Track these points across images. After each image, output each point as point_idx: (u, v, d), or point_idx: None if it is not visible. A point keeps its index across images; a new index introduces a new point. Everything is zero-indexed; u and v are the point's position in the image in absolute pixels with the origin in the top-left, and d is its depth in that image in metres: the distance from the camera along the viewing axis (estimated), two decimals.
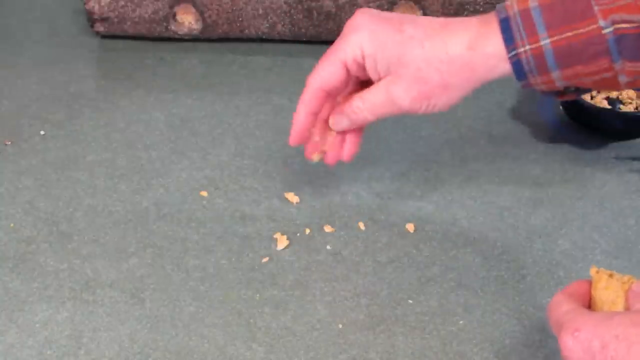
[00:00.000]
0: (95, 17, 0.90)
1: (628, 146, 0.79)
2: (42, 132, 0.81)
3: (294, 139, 0.66)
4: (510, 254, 0.68)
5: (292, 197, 0.74)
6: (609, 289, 0.55)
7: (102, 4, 0.90)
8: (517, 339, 0.62)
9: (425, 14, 0.86)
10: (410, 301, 0.65)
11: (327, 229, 0.71)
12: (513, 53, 0.59)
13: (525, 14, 0.59)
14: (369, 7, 0.86)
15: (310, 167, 0.77)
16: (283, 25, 0.89)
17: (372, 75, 0.63)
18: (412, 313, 0.64)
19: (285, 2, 0.87)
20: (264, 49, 0.92)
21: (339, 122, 0.66)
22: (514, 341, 0.62)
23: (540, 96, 0.84)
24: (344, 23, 0.87)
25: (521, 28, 0.59)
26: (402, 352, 0.61)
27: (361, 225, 0.71)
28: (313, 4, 0.87)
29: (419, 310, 0.64)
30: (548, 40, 0.58)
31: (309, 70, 0.89)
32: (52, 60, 0.91)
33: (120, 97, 0.86)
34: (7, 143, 0.80)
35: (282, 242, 0.69)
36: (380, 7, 0.86)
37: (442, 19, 0.62)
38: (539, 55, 0.58)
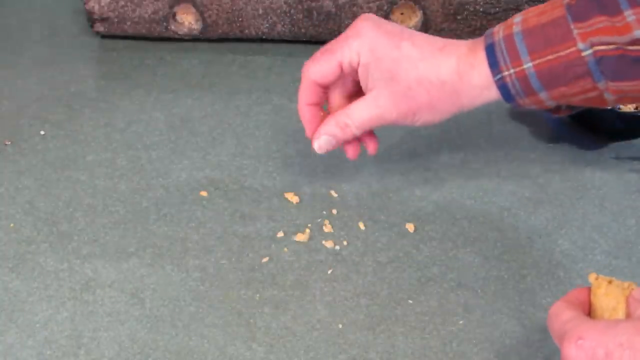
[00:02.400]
0: (95, 17, 0.90)
1: (628, 146, 0.79)
2: (42, 132, 0.81)
3: (308, 131, 0.68)
4: (510, 254, 0.68)
5: (292, 197, 0.74)
6: (609, 296, 0.54)
7: (102, 4, 0.90)
8: (517, 339, 0.62)
9: (425, 14, 0.86)
10: (410, 301, 0.65)
11: (327, 229, 0.71)
12: (498, 77, 0.62)
13: (509, 39, 0.61)
14: (369, 7, 0.86)
15: (310, 167, 0.77)
16: (283, 25, 0.89)
17: (362, 81, 0.65)
18: (412, 313, 0.64)
19: (285, 2, 0.87)
20: (264, 49, 0.92)
21: (324, 143, 0.67)
22: (514, 341, 0.62)
23: None
24: (344, 23, 0.87)
25: (505, 53, 0.61)
26: (402, 352, 0.61)
27: (361, 225, 0.71)
28: (313, 4, 0.87)
29: (419, 310, 0.64)
30: (530, 64, 0.60)
31: None
32: (52, 60, 0.91)
33: (120, 97, 0.86)
34: (7, 143, 0.80)
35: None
36: (380, 8, 0.86)
37: (439, 42, 0.64)
38: (523, 78, 0.61)
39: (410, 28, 0.87)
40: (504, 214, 0.72)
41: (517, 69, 0.61)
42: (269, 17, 0.88)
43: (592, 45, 0.59)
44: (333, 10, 0.87)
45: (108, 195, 0.74)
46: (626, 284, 0.54)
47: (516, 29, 0.61)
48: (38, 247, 0.69)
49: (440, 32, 0.87)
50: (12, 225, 0.71)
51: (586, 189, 0.74)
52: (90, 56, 0.92)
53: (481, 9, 0.85)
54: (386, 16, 0.86)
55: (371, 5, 0.86)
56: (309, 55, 0.93)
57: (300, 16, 0.88)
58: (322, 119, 0.68)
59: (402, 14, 0.87)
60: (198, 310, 0.64)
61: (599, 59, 0.59)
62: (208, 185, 0.75)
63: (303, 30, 0.89)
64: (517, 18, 0.62)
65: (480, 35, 0.86)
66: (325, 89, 0.67)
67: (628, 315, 0.53)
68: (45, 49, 0.93)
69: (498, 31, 0.62)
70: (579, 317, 0.52)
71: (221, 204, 0.74)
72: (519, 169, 0.77)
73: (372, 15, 0.66)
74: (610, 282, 0.55)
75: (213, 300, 0.65)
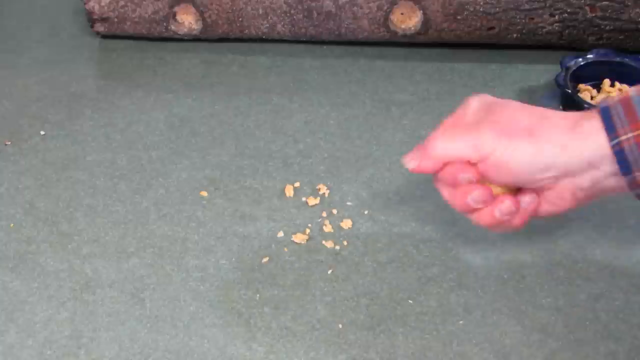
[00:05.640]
0: (95, 17, 0.90)
1: None
2: (42, 132, 0.81)
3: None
4: (510, 254, 0.68)
5: (292, 197, 0.74)
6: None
7: (102, 4, 0.90)
8: (517, 339, 0.62)
9: (425, 14, 0.86)
10: (410, 301, 0.65)
11: (327, 229, 0.71)
12: (615, 141, 0.56)
13: (626, 102, 0.56)
14: (369, 7, 0.86)
15: (309, 168, 0.77)
16: (283, 25, 0.89)
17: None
18: (412, 313, 0.64)
19: (285, 2, 0.87)
20: (264, 49, 0.92)
21: (409, 158, 0.61)
22: (514, 341, 0.62)
23: (540, 96, 0.84)
24: (344, 23, 0.87)
25: (622, 115, 0.56)
26: (402, 352, 0.61)
27: (361, 226, 0.71)
28: (313, 4, 0.87)
29: (419, 310, 0.64)
30: None
31: (309, 70, 0.89)
32: (52, 60, 0.91)
33: (120, 97, 0.86)
34: (7, 143, 0.80)
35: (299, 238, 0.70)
36: (380, 8, 0.86)
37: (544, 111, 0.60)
38: None
39: (410, 28, 0.87)
40: None
41: (636, 133, 0.55)
42: (269, 17, 0.88)
43: None
44: (333, 10, 0.87)
45: (108, 195, 0.74)
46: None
47: (633, 92, 0.56)
48: (38, 247, 0.69)
49: (440, 32, 0.87)
50: (12, 225, 0.72)
51: None
52: (90, 56, 0.92)
53: (481, 9, 0.85)
54: (386, 16, 0.87)
55: (371, 5, 0.86)
56: (309, 55, 0.93)
57: (300, 16, 0.88)
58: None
59: (402, 14, 0.87)
60: (198, 310, 0.64)
61: None
62: (208, 185, 0.75)
63: (303, 30, 0.89)
64: (633, 88, 0.57)
65: (480, 33, 0.87)
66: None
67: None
68: (45, 49, 0.93)
69: (612, 98, 0.58)
70: None
71: (221, 204, 0.74)
72: None
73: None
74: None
75: (213, 300, 0.65)
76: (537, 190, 0.58)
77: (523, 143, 0.57)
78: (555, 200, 0.58)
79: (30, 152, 0.79)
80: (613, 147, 0.56)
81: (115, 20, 0.90)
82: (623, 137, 0.55)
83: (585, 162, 0.56)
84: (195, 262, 0.68)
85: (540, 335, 0.62)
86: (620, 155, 0.55)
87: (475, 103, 0.60)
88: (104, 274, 0.67)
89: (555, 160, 0.56)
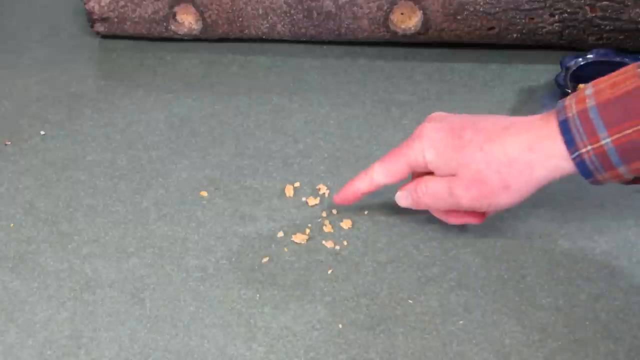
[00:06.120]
0: (95, 17, 0.90)
1: None
2: (42, 132, 0.81)
3: (341, 199, 0.70)
4: (510, 254, 0.68)
5: (292, 197, 0.74)
6: None
7: (102, 4, 0.89)
8: (517, 339, 0.62)
9: (425, 14, 0.86)
10: (410, 301, 0.65)
11: (327, 229, 0.71)
12: (576, 154, 0.60)
13: (583, 114, 0.59)
14: (369, 7, 0.86)
15: (310, 167, 0.77)
16: (283, 25, 0.89)
17: (437, 175, 0.65)
18: (412, 313, 0.64)
19: (285, 2, 0.87)
20: (264, 49, 0.92)
21: (403, 198, 0.68)
22: (514, 341, 0.62)
23: (540, 96, 0.84)
24: (344, 23, 0.87)
25: (581, 130, 0.59)
26: (402, 352, 0.61)
27: (361, 226, 0.71)
28: (313, 4, 0.87)
29: (419, 310, 0.64)
30: (609, 140, 0.58)
31: (309, 70, 0.89)
32: (52, 60, 0.91)
33: (120, 97, 0.86)
34: (7, 143, 0.80)
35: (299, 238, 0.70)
36: (380, 8, 0.86)
37: (505, 121, 0.64)
38: (602, 154, 0.59)
39: (410, 28, 0.87)
40: (504, 214, 0.72)
41: (595, 145, 0.59)
42: (269, 17, 0.88)
43: None
44: (333, 10, 0.87)
45: (108, 195, 0.74)
46: None
47: (590, 102, 0.59)
48: (38, 247, 0.69)
49: (440, 32, 0.87)
50: (12, 225, 0.72)
51: (586, 189, 0.74)
52: (90, 56, 0.92)
53: (481, 9, 0.85)
54: (386, 16, 0.86)
55: (371, 5, 0.86)
56: (309, 55, 0.92)
57: (300, 16, 0.88)
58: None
59: (402, 14, 0.87)
60: (198, 310, 0.64)
61: None
62: (208, 185, 0.75)
63: (303, 30, 0.89)
64: (589, 90, 0.60)
65: (480, 33, 0.87)
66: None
67: None
68: (45, 49, 0.93)
69: (570, 105, 0.60)
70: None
71: (221, 204, 0.74)
72: None
73: (438, 115, 0.67)
74: None
75: (213, 300, 0.65)
76: None
77: (502, 198, 0.63)
78: None
79: (30, 152, 0.79)
80: (574, 159, 0.60)
81: (115, 20, 0.90)
82: (583, 150, 0.59)
83: (557, 178, 0.62)
84: (195, 262, 0.68)
85: (540, 335, 0.62)
86: (581, 165, 0.60)
87: (431, 154, 0.65)
88: (104, 274, 0.67)
89: (532, 192, 0.63)
